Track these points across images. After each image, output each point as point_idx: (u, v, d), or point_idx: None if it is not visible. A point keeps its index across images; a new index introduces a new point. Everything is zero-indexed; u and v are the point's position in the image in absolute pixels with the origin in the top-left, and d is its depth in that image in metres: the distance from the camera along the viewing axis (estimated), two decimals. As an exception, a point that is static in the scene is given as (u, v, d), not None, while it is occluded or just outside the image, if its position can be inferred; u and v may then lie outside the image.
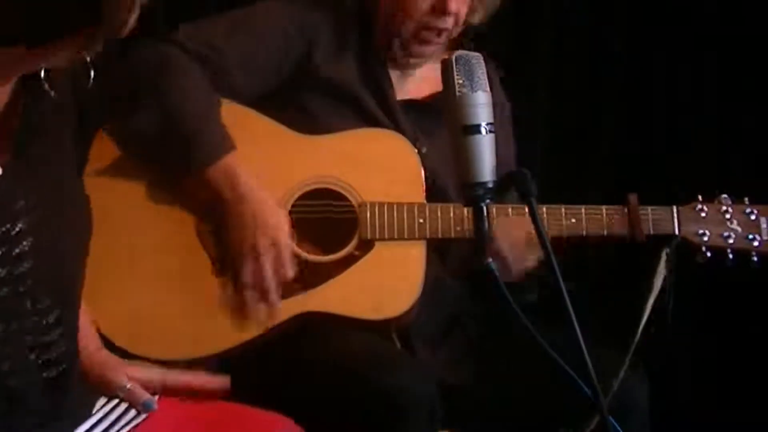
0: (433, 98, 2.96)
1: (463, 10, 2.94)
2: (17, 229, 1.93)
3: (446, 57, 2.14)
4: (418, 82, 3.06)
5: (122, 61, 2.84)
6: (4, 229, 1.92)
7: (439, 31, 2.94)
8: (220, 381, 2.33)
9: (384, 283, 2.85)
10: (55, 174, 2.07)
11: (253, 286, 2.76)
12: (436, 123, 2.77)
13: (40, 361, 1.99)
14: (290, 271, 2.77)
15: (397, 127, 2.96)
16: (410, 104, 3.02)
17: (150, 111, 2.79)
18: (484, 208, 2.11)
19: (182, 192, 2.83)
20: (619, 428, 2.08)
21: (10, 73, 1.93)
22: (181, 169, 2.80)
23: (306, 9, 2.98)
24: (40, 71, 1.94)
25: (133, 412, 2.22)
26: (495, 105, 2.93)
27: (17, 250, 1.93)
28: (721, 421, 3.82)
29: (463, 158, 2.10)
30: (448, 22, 2.93)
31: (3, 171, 1.93)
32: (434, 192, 2.91)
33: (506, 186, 2.16)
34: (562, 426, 2.57)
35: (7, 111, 1.97)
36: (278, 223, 2.77)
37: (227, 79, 2.88)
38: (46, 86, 1.96)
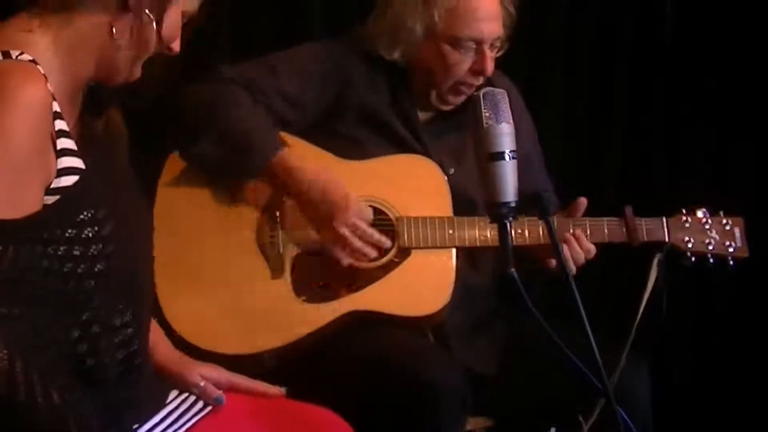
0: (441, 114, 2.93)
1: (492, 67, 2.85)
2: (100, 215, 1.85)
3: (475, 93, 2.07)
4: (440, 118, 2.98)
5: (180, 97, 2.76)
6: (90, 214, 1.84)
7: (471, 86, 2.85)
8: (276, 391, 2.25)
9: (421, 285, 2.78)
10: (121, 179, 2.00)
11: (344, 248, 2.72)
12: (461, 144, 2.81)
13: (115, 341, 1.91)
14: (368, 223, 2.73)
15: (425, 150, 2.88)
16: (434, 121, 2.93)
17: (209, 137, 2.72)
18: (508, 225, 2.03)
19: (248, 200, 2.78)
20: (626, 417, 2.01)
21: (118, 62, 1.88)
22: (245, 173, 2.74)
23: (341, 50, 2.88)
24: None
25: (200, 404, 2.15)
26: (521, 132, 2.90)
27: (103, 233, 1.85)
28: (720, 414, 3.71)
29: (489, 181, 2.03)
30: (481, 80, 2.84)
31: (86, 167, 1.85)
32: (461, 207, 2.83)
33: (527, 206, 2.11)
34: (574, 413, 2.46)
35: (80, 120, 1.93)
36: (343, 192, 2.71)
37: (271, 112, 2.79)
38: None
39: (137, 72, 1.92)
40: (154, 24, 1.86)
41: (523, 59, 2.95)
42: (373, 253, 2.73)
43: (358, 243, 2.71)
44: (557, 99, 3.68)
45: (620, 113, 3.77)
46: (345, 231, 2.69)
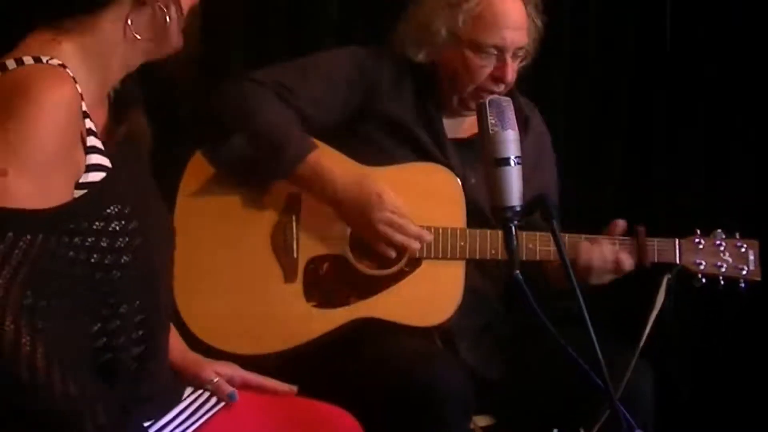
0: (474, 136, 2.89)
1: (514, 77, 2.87)
2: (126, 210, 1.88)
3: (481, 101, 2.08)
4: (464, 125, 2.97)
5: (209, 98, 2.78)
6: (117, 208, 1.88)
7: (492, 93, 2.84)
8: (287, 388, 2.27)
9: (429, 296, 2.77)
10: (144, 182, 2.04)
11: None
12: (480, 157, 2.74)
13: (134, 336, 1.93)
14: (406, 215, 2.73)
15: (448, 162, 2.88)
16: (457, 142, 2.93)
17: (240, 135, 2.72)
18: (513, 228, 2.03)
19: (265, 204, 2.78)
20: (629, 417, 1.99)
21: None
22: (275, 173, 2.74)
23: (368, 58, 2.89)
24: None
25: (214, 400, 2.16)
26: (542, 134, 2.97)
27: (130, 227, 1.88)
28: (720, 414, 3.67)
29: (495, 186, 2.04)
30: (502, 87, 2.85)
31: (113, 165, 1.89)
32: (480, 218, 2.81)
33: (532, 209, 2.08)
34: (577, 414, 2.44)
35: (107, 123, 1.97)
36: (375, 190, 2.71)
37: (296, 113, 2.80)
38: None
39: (178, 41, 1.95)
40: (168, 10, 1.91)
41: (525, 67, 2.95)
42: (416, 245, 2.72)
43: (399, 237, 2.71)
44: (559, 106, 3.68)
45: (621, 123, 3.76)
46: (384, 228, 2.70)
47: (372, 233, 2.71)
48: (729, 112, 3.72)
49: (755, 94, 3.68)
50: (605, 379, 1.95)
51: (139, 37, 1.90)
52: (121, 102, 2.01)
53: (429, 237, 2.75)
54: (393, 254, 2.73)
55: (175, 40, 1.95)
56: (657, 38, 3.71)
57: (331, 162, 2.73)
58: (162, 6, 1.90)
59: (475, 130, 2.81)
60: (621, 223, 2.84)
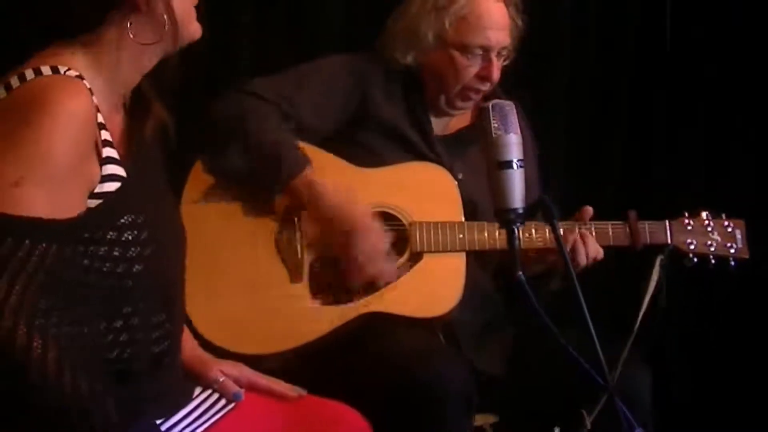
0: (460, 131, 2.98)
1: (499, 75, 2.90)
2: (140, 220, 1.90)
3: (484, 105, 2.10)
4: (451, 122, 3.01)
5: (209, 110, 2.81)
6: (130, 218, 1.89)
7: (478, 91, 2.90)
8: (295, 394, 2.26)
9: (432, 287, 2.81)
10: (159, 188, 2.06)
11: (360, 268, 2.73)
12: (467, 151, 2.87)
13: (150, 338, 1.96)
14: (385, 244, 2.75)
15: (438, 159, 2.91)
16: (444, 138, 2.97)
17: (237, 150, 2.75)
18: (516, 230, 2.06)
19: (268, 208, 2.79)
20: (626, 410, 2.03)
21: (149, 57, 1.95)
22: (271, 187, 2.76)
23: (361, 64, 2.92)
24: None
25: (223, 401, 2.18)
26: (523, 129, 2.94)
27: (142, 237, 1.90)
28: (719, 413, 3.72)
29: (498, 188, 2.07)
30: (487, 86, 2.89)
31: (128, 175, 1.91)
32: (470, 211, 2.86)
33: (534, 211, 2.13)
34: (577, 412, 2.48)
35: (124, 130, 1.98)
36: (360, 214, 2.73)
37: (296, 122, 2.83)
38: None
39: (195, 31, 1.96)
40: (165, 15, 1.91)
41: (525, 67, 2.97)
42: (386, 280, 2.75)
43: (372, 270, 2.73)
44: (560, 106, 3.69)
45: (621, 123, 3.77)
46: (362, 258, 2.71)
47: (349, 257, 2.72)
48: (729, 112, 3.74)
49: (755, 94, 3.70)
50: (606, 376, 2.00)
51: (143, 42, 1.91)
52: (140, 101, 2.02)
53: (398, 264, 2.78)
54: (357, 283, 2.75)
55: (188, 32, 1.95)
56: (657, 38, 3.72)
57: (325, 174, 2.75)
58: (158, 10, 1.90)
59: (461, 124, 2.96)
60: (589, 210, 2.87)
